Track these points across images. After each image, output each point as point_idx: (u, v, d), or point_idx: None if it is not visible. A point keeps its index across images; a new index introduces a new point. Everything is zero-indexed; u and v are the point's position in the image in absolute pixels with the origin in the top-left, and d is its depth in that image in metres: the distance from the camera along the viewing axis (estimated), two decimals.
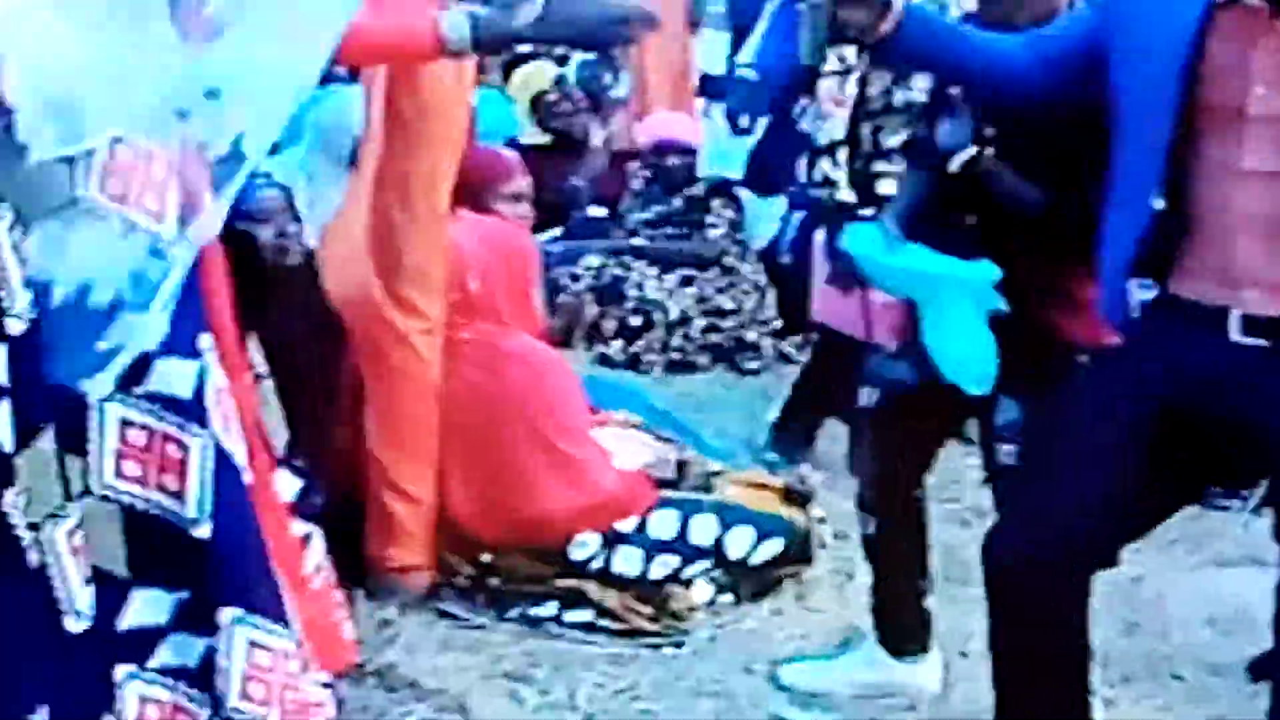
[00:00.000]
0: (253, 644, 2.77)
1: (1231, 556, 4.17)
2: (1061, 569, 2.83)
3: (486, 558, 3.92)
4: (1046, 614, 2.84)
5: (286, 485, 3.04)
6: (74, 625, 2.56)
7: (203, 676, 2.75)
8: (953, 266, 3.13)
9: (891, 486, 3.45)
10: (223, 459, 2.66)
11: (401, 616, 3.80)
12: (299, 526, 3.04)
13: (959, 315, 3.12)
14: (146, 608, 2.65)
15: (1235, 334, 2.68)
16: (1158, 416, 2.77)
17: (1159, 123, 2.71)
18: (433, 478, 3.93)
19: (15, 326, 2.52)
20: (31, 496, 2.55)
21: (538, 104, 6.89)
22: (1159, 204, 2.74)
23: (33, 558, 2.55)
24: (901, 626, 3.53)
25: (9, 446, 2.52)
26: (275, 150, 3.49)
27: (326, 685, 2.96)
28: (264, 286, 3.65)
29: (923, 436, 3.44)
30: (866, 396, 3.45)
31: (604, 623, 3.82)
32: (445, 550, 3.95)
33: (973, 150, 3.20)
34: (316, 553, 3.08)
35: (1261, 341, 2.68)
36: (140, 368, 2.64)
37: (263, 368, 3.91)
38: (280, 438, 3.70)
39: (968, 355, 3.12)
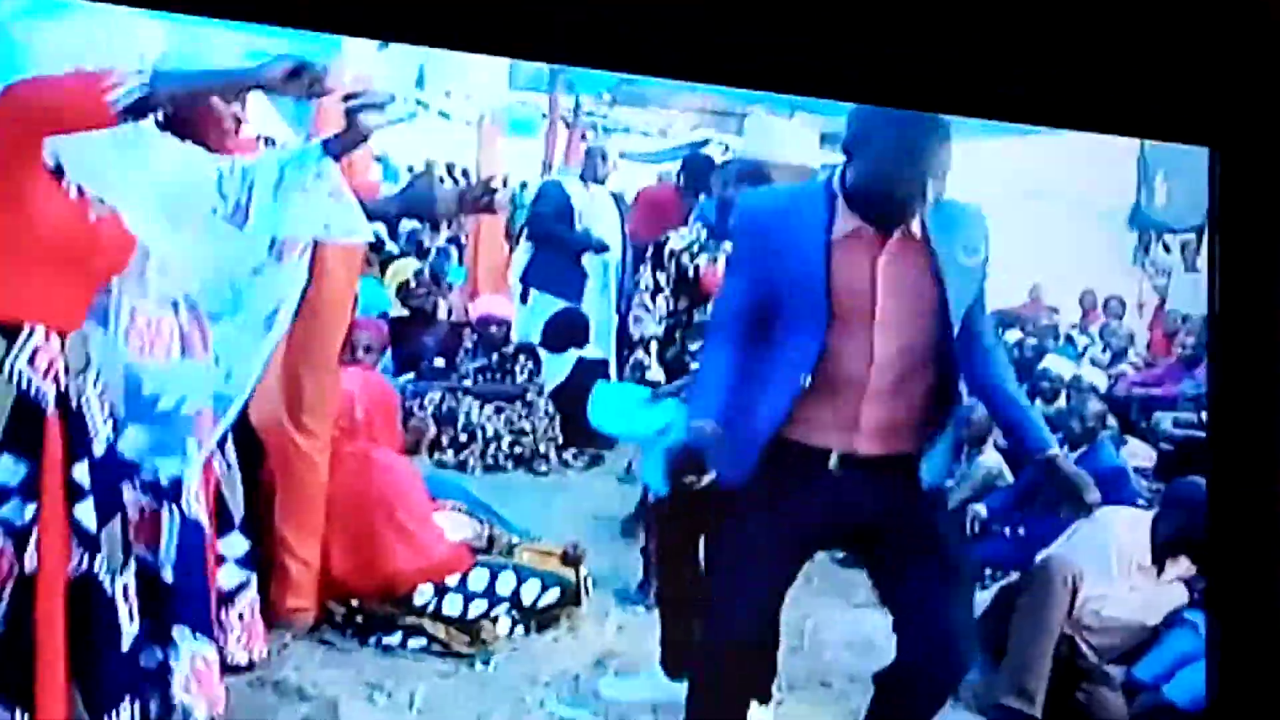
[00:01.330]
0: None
1: (864, 601, 4.32)
2: None
3: (355, 602, 4.25)
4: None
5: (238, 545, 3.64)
6: (127, 644, 3.13)
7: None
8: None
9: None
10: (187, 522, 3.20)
11: (294, 642, 4.10)
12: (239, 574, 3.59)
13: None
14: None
15: (833, 465, 3.11)
16: (796, 541, 3.15)
17: (811, 329, 2.99)
18: (319, 547, 4.19)
19: (99, 449, 3.11)
20: (109, 560, 3.06)
21: (402, 288, 7.04)
22: (807, 380, 3.02)
23: (121, 610, 3.04)
24: (677, 651, 3.93)
25: (94, 528, 3.05)
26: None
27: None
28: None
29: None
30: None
31: (435, 648, 4.20)
32: (325, 597, 4.23)
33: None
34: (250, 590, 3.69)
35: (855, 473, 3.11)
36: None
37: None
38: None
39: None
